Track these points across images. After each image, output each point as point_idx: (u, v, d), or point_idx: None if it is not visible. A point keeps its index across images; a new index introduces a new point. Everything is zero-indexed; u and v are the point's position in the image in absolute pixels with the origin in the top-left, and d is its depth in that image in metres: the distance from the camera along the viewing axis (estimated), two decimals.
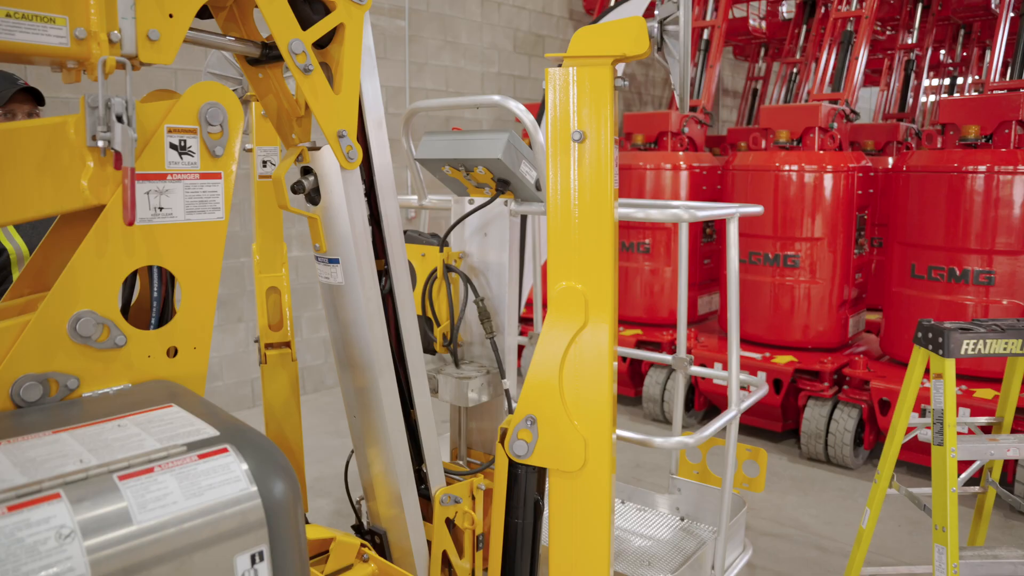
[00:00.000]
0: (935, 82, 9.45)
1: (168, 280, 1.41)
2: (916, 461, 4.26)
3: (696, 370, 2.81)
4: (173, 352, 1.38)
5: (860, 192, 4.96)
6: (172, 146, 1.34)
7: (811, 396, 4.65)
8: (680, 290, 2.71)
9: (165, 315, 1.41)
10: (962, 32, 8.44)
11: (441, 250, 2.19)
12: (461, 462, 2.35)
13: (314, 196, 1.73)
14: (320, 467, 4.39)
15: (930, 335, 2.28)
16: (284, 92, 1.70)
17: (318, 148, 1.70)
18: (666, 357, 2.86)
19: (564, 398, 1.53)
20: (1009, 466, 3.93)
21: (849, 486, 4.32)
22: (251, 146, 2.47)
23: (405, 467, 1.95)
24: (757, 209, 2.40)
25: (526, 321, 5.80)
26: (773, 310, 4.98)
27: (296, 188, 1.71)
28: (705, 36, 6.55)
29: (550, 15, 7.98)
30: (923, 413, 4.05)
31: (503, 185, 2.11)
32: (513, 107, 1.98)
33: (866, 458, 4.70)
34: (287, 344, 2.50)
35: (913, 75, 7.81)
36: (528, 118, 1.98)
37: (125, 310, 1.43)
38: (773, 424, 4.93)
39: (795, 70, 8.30)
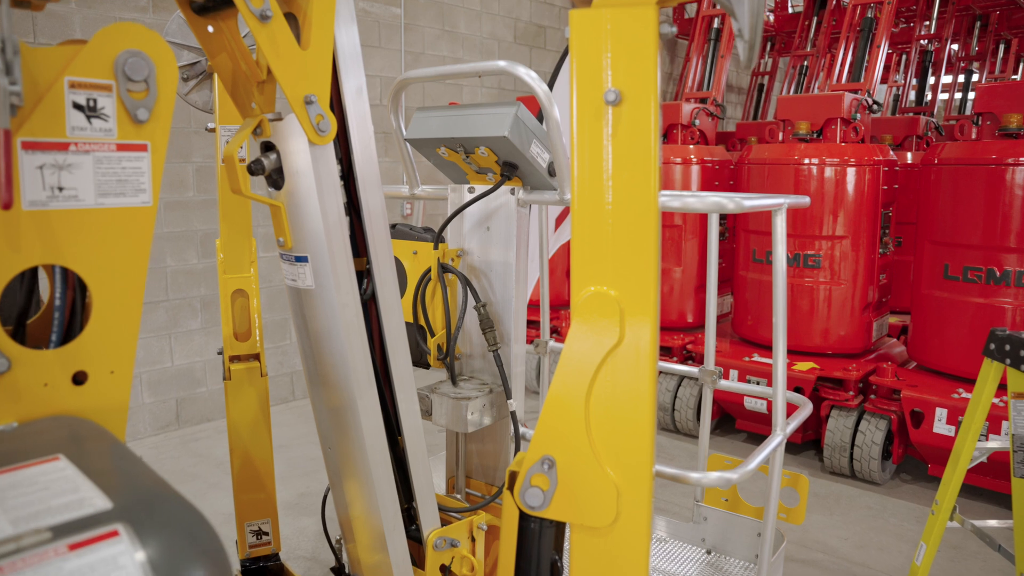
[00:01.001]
0: (946, 79, 9.12)
1: (77, 284, 1.08)
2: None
3: (728, 385, 2.48)
4: (81, 378, 1.05)
5: (885, 187, 4.64)
6: (77, 106, 1.01)
7: (835, 406, 4.33)
8: (709, 292, 2.38)
9: (73, 330, 1.08)
10: (978, 24, 8.13)
11: (436, 247, 1.86)
12: (459, 495, 2.02)
13: (276, 178, 1.40)
14: (306, 481, 4.05)
15: (1007, 347, 1.95)
16: (240, 50, 1.37)
17: (281, 118, 1.37)
18: (691, 370, 2.53)
19: (592, 435, 1.19)
20: None
21: (878, 504, 3.99)
22: (214, 125, 2.14)
23: (391, 506, 1.61)
24: (804, 200, 2.07)
25: (531, 324, 5.48)
26: (792, 313, 4.66)
27: (254, 168, 1.37)
28: (716, 25, 6.23)
29: (552, 5, 7.65)
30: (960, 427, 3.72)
31: (509, 169, 1.77)
32: (522, 74, 1.65)
33: (893, 472, 4.38)
34: (256, 357, 2.16)
35: (931, 67, 7.50)
36: (541, 88, 1.65)
37: (22, 325, 1.09)
38: (791, 435, 4.60)
39: (805, 63, 7.98)
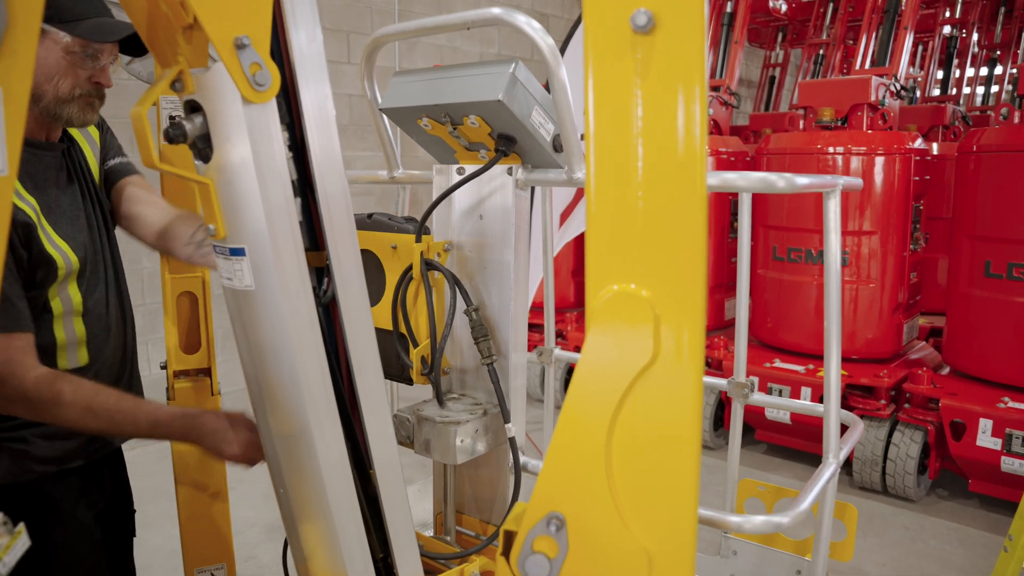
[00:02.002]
0: (969, 72, 8.76)
1: None
2: (999, 495, 3.60)
3: (767, 400, 2.15)
4: None
5: (917, 178, 4.30)
6: None
7: (865, 415, 3.99)
8: (740, 290, 2.06)
9: None
10: (1002, 11, 7.78)
11: (418, 239, 1.54)
12: (448, 536, 1.70)
13: (203, 148, 1.08)
14: None
15: None
16: None
17: (207, 69, 1.05)
18: (719, 382, 2.20)
19: (615, 485, 0.88)
20: None
21: (915, 524, 3.66)
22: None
23: (360, 559, 1.30)
24: (858, 182, 1.75)
25: (533, 327, 5.15)
26: (816, 315, 4.32)
27: (172, 134, 1.06)
28: (729, 9, 5.90)
29: None
30: (1008, 440, 3.40)
31: (506, 144, 1.46)
32: (522, 23, 1.33)
33: (929, 488, 4.04)
34: (207, 372, 1.85)
35: (955, 55, 7.15)
36: (545, 42, 1.33)
37: None
38: (815, 446, 4.27)
39: (820, 52, 7.64)
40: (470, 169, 1.53)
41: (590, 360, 0.86)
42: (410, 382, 1.62)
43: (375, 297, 1.70)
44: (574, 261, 5.46)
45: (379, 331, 1.55)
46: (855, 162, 4.21)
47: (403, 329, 1.61)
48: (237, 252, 1.10)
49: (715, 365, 4.58)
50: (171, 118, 1.89)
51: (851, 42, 7.27)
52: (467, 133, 1.49)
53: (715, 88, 5.55)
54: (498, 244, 1.55)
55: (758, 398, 2.13)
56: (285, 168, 1.10)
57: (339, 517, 1.25)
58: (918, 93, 7.29)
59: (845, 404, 4.07)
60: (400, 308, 1.60)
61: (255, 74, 1.03)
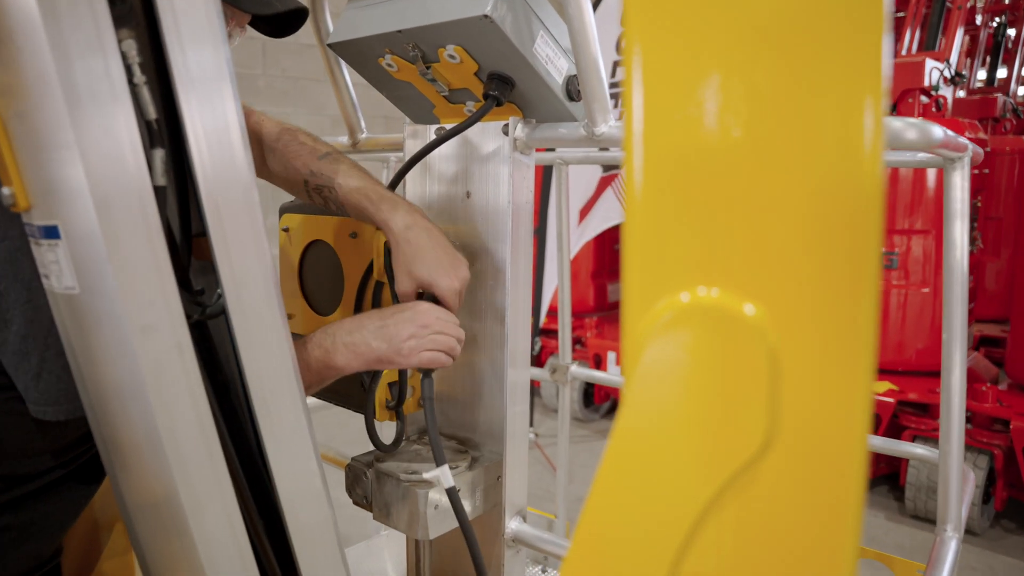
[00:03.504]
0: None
1: None
2: None
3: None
4: None
5: (976, 172, 3.83)
6: None
7: (918, 436, 3.53)
8: None
9: None
10: None
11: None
12: None
13: None
14: None
15: None
16: None
17: None
18: None
19: None
20: None
21: (982, 563, 3.19)
22: None
23: None
24: (979, 150, 1.31)
25: (547, 333, 4.70)
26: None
27: None
28: None
29: None
30: None
31: (499, 87, 1.03)
32: None
33: (993, 519, 3.56)
34: None
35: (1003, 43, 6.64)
36: None
37: None
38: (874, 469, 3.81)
39: None
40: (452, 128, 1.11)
41: (631, 440, 0.43)
42: (372, 418, 1.20)
43: (331, 302, 1.28)
44: (594, 262, 5.02)
45: None
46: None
47: None
48: (49, 232, 0.68)
49: None
50: None
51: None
52: (446, 74, 1.06)
53: None
54: (490, 231, 1.13)
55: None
56: (125, 92, 0.68)
57: None
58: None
59: (896, 421, 3.60)
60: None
61: None
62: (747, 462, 0.40)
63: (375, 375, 1.12)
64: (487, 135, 1.10)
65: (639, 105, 0.39)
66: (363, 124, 1.37)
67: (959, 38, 4.41)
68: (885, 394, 3.58)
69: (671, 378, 0.39)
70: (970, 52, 6.86)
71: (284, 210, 1.33)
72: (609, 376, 2.15)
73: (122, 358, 0.71)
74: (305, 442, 0.86)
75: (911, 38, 4.51)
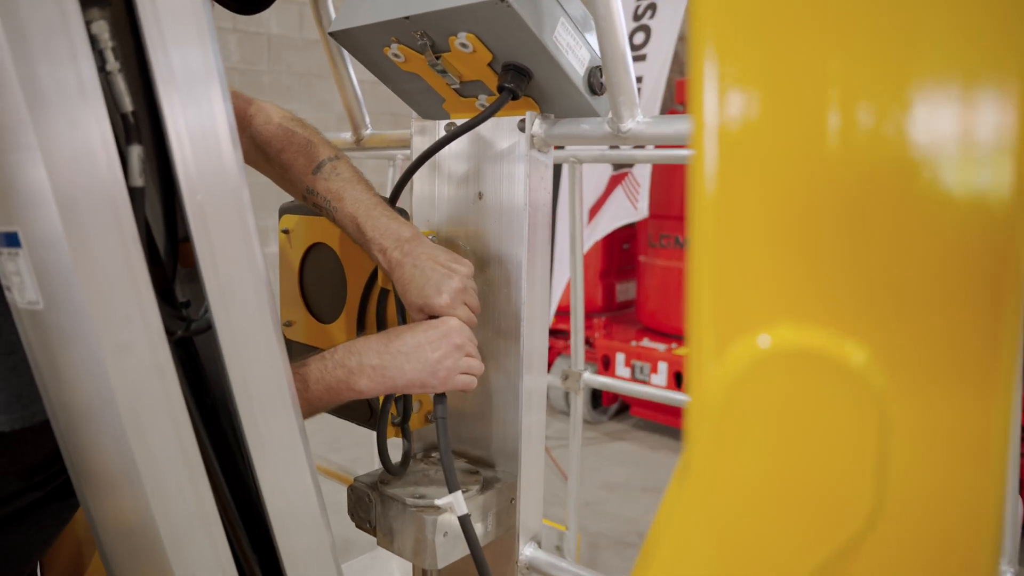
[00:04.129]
0: None
1: None
2: None
3: None
4: None
5: None
6: None
7: None
8: None
9: None
10: None
11: None
12: None
13: None
14: None
15: None
16: None
17: None
18: None
19: None
20: None
21: None
22: None
23: None
24: None
25: (556, 335, 4.61)
26: None
27: None
28: None
29: None
30: None
31: (516, 79, 0.94)
32: None
33: None
34: None
35: None
36: None
37: None
38: None
39: None
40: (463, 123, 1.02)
41: (705, 516, 0.34)
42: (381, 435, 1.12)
43: (333, 309, 1.20)
44: (602, 262, 4.93)
45: None
46: None
47: None
48: (9, 240, 0.60)
49: None
50: None
51: None
52: (457, 65, 0.98)
53: None
54: (504, 234, 1.04)
55: None
56: (97, 84, 0.60)
57: None
58: None
59: None
60: (362, 328, 1.10)
61: None
62: (847, 541, 0.31)
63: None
64: (501, 131, 1.02)
65: (715, 100, 0.30)
66: (368, 120, 1.29)
67: None
68: None
69: (753, 441, 0.31)
70: None
71: (284, 210, 1.25)
72: (626, 384, 2.07)
73: (93, 381, 0.63)
74: (301, 471, 0.78)
75: None
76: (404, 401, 1.06)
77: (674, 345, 4.28)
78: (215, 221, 0.69)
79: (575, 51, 0.94)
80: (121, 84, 0.64)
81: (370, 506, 1.03)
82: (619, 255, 5.22)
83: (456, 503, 0.92)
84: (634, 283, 5.16)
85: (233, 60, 4.14)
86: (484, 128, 1.02)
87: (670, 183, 4.31)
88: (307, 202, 1.04)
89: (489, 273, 1.07)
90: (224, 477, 0.77)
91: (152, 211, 0.72)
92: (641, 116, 0.89)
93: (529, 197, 0.98)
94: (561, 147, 1.78)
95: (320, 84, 4.53)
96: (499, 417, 1.10)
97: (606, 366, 4.50)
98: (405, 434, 1.07)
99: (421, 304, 0.95)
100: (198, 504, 0.71)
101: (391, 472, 1.04)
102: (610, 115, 0.91)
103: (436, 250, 0.96)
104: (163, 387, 0.66)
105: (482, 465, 1.12)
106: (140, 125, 0.66)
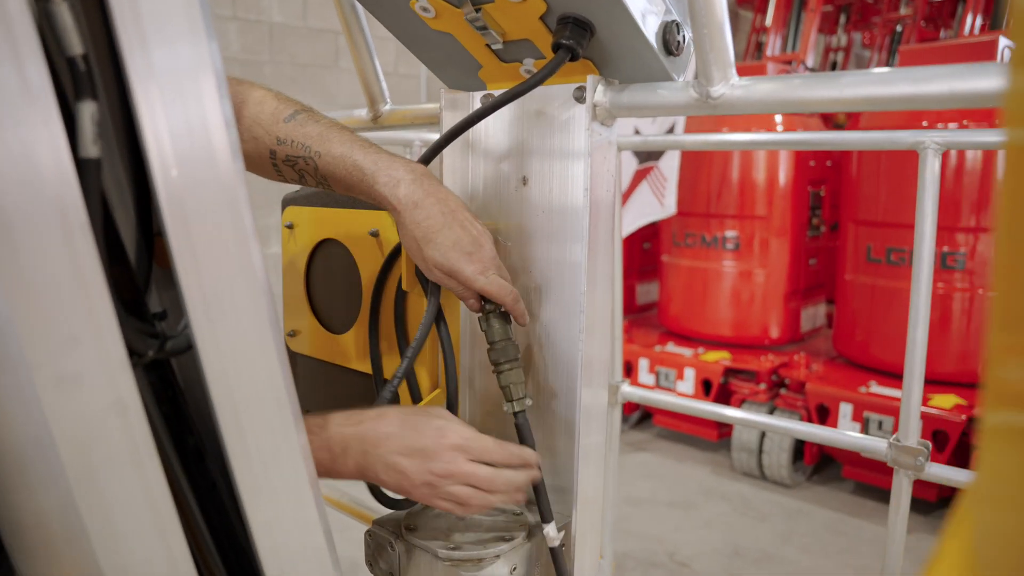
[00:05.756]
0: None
1: None
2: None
3: (941, 473, 1.42)
4: None
5: None
6: None
7: None
8: (915, 317, 1.34)
9: None
10: None
11: None
12: None
13: None
14: None
15: None
16: None
17: None
18: (876, 443, 1.49)
19: None
20: None
21: None
22: None
23: None
24: None
25: None
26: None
27: None
28: None
29: None
30: None
31: (575, 36, 0.76)
32: None
33: None
34: None
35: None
36: None
37: None
38: (920, 489, 3.51)
39: (899, 28, 6.82)
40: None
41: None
42: None
43: (345, 317, 1.02)
44: (624, 261, 4.74)
45: (353, 373, 0.89)
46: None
47: (389, 372, 0.93)
48: None
49: (795, 387, 3.84)
50: None
51: (925, 24, 6.48)
52: (501, 19, 0.80)
53: (786, 63, 4.79)
54: (556, 229, 0.86)
55: (936, 471, 1.41)
56: (27, 11, 0.42)
57: None
58: None
59: (964, 444, 3.30)
60: (376, 335, 0.92)
61: None
62: None
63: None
64: (552, 103, 0.84)
65: None
66: (387, 93, 1.11)
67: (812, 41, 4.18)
68: (951, 410, 3.28)
69: None
70: None
71: (288, 201, 1.08)
72: (676, 400, 1.88)
73: (26, 424, 0.46)
74: (312, 532, 0.60)
75: (972, 22, 4.20)
76: None
77: (701, 350, 4.09)
78: (198, 204, 0.52)
79: (650, 4, 0.76)
80: (66, 15, 0.47)
81: (393, 556, 0.85)
82: (640, 255, 5.03)
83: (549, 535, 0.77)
84: (656, 284, 4.97)
85: (233, 49, 3.97)
86: (530, 99, 0.84)
87: (696, 177, 4.12)
88: (276, 159, 0.82)
89: (536, 275, 0.89)
90: (213, 539, 0.60)
91: (115, 192, 0.54)
92: (737, 78, 0.71)
93: (591, 182, 0.80)
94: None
95: (325, 75, 4.35)
96: (548, 443, 0.92)
97: (628, 372, 4.31)
98: None
99: (448, 267, 0.77)
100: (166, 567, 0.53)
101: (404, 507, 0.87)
102: (695, 78, 0.73)
103: (461, 203, 0.79)
104: (124, 427, 0.49)
105: (527, 502, 0.94)
106: (94, 73, 0.49)
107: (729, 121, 3.94)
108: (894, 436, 1.43)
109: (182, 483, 0.56)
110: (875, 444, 1.47)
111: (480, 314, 0.82)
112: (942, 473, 1.40)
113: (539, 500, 0.82)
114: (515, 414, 0.83)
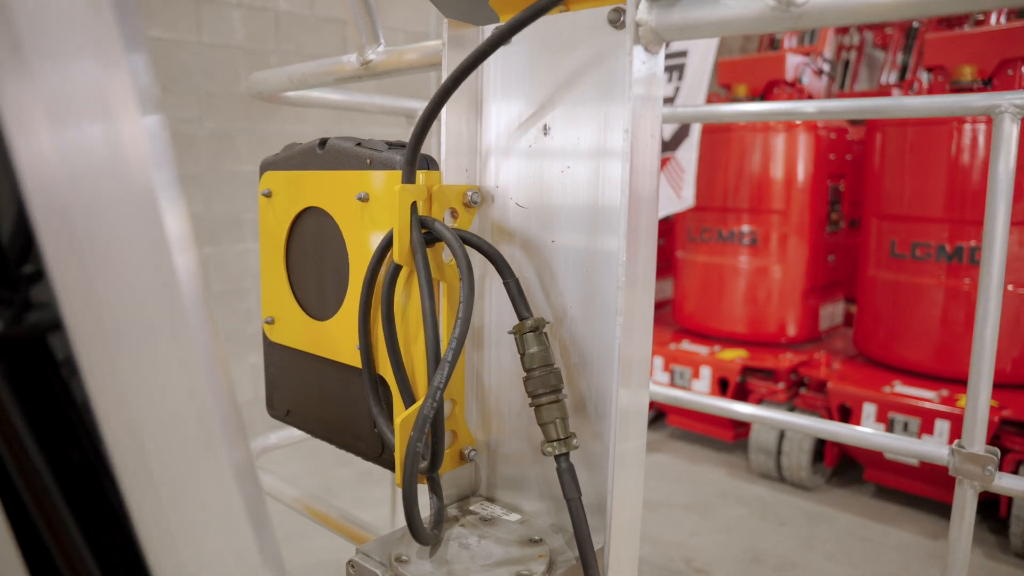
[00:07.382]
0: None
1: None
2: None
3: (1012, 484, 1.25)
4: None
5: None
6: None
7: None
8: (984, 312, 1.18)
9: None
10: None
11: (409, 178, 0.69)
12: None
13: None
14: None
15: None
16: None
17: None
18: (938, 452, 1.32)
19: None
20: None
21: None
22: None
23: None
24: None
25: None
26: (945, 327, 3.38)
27: None
28: None
29: None
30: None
31: None
32: None
33: None
34: None
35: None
36: None
37: None
38: (945, 493, 3.34)
39: (914, 24, 6.63)
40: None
41: None
42: (393, 469, 0.78)
43: (330, 298, 0.86)
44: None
45: (341, 368, 0.74)
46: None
47: (381, 367, 0.77)
48: None
49: (814, 387, 3.67)
50: None
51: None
52: None
53: (806, 54, 4.62)
54: (583, 194, 0.70)
55: (1007, 483, 1.24)
56: None
57: None
58: None
59: (998, 443, 3.12)
60: (368, 319, 0.76)
61: None
62: None
63: (389, 413, 0.70)
64: (580, 32, 0.67)
65: None
66: (381, 34, 0.94)
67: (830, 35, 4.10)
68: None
69: None
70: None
71: (266, 165, 0.92)
72: (699, 398, 1.72)
73: None
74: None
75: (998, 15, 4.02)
76: (434, 432, 0.72)
77: (717, 348, 3.91)
78: (87, 215, 0.35)
79: None
80: None
81: None
82: None
83: None
84: (670, 281, 4.80)
85: (238, 38, 3.82)
86: (554, 29, 0.68)
87: (712, 171, 3.96)
88: None
89: (560, 256, 0.72)
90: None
91: None
92: None
93: (633, 125, 0.64)
94: None
95: None
96: (577, 453, 0.76)
97: None
98: (433, 484, 0.73)
99: None
100: None
101: (422, 540, 0.70)
102: None
103: None
104: None
105: (546, 527, 0.78)
106: None
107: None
108: (956, 442, 1.27)
109: (62, 513, 0.40)
110: (935, 451, 1.30)
111: (515, 333, 0.68)
112: (1012, 485, 1.22)
113: (582, 552, 0.65)
114: (556, 457, 0.68)
